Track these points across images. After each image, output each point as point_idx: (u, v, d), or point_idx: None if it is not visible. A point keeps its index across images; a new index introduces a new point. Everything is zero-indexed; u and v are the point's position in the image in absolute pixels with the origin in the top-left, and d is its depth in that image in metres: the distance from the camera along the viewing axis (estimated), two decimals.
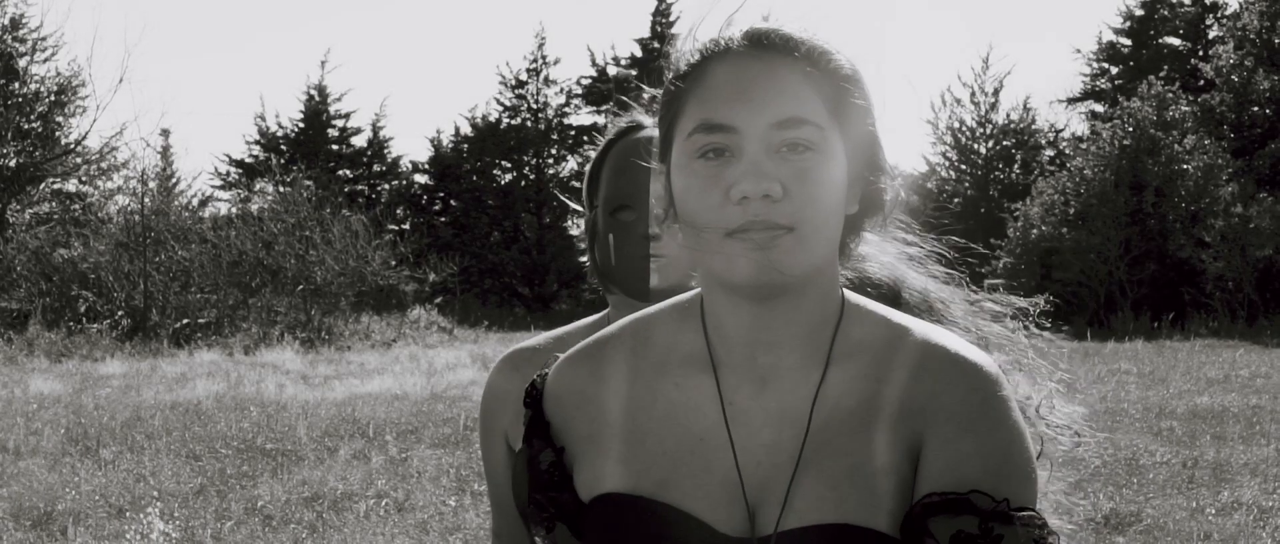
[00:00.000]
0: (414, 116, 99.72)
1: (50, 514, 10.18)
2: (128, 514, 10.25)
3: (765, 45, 1.85)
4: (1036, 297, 2.36)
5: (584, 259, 2.90)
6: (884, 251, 2.27)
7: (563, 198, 3.44)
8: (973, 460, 1.78)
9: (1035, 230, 39.40)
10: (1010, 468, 1.79)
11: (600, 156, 2.77)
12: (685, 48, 1.92)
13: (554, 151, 54.90)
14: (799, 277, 1.81)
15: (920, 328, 1.91)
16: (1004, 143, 54.54)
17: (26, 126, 42.10)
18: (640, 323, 2.02)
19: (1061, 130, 56.16)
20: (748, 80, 1.82)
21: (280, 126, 54.05)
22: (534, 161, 54.70)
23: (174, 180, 46.24)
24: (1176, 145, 38.55)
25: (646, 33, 54.39)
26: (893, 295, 2.23)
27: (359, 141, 54.86)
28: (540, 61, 55.13)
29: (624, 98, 2.88)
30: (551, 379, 2.02)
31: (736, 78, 1.83)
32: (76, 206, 42.27)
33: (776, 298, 1.84)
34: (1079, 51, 63.55)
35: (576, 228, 51.38)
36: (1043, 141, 54.96)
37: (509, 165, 54.59)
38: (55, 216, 40.25)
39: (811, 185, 1.79)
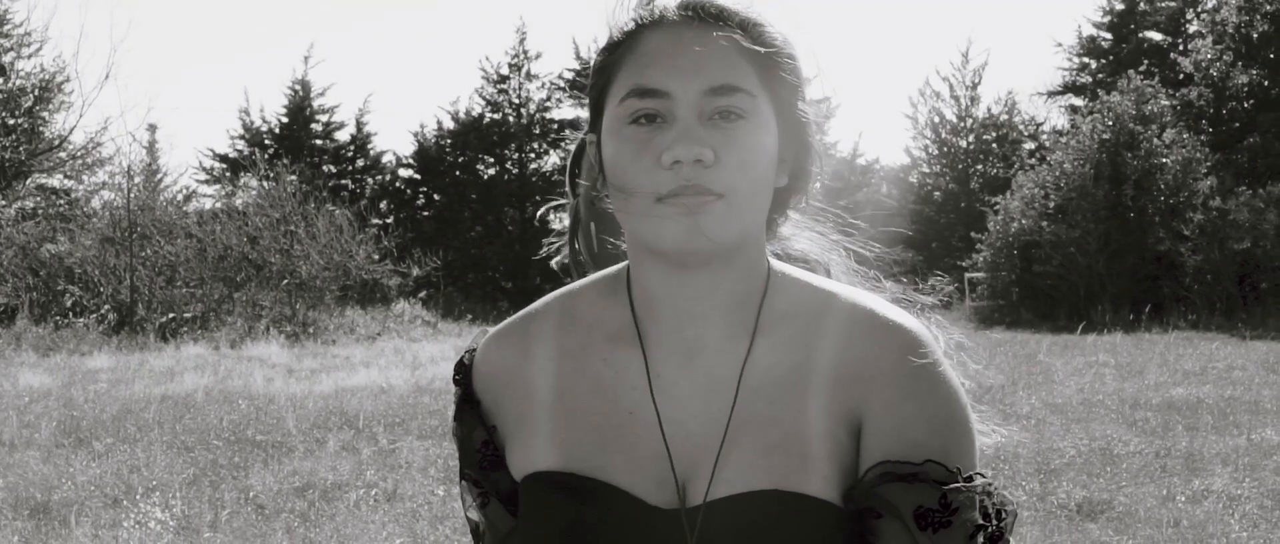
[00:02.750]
0: (398, 111, 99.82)
1: (46, 505, 10.36)
2: (124, 504, 10.44)
3: (699, 15, 1.84)
4: (942, 290, 2.33)
5: (562, 257, 2.97)
6: (810, 230, 2.24)
7: (550, 201, 3.42)
8: (918, 424, 1.80)
9: (1015, 224, 39.57)
10: (954, 425, 1.81)
11: (582, 144, 2.67)
12: (618, 18, 1.91)
13: (536, 146, 55.01)
14: (728, 244, 1.81)
15: (846, 292, 1.91)
16: (984, 137, 54.82)
17: (11, 123, 42.13)
18: (567, 298, 2.02)
19: (1042, 124, 56.48)
20: (681, 47, 1.81)
21: (264, 121, 54.14)
22: (516, 156, 54.83)
23: (159, 175, 46.37)
24: (1155, 139, 38.79)
25: None
26: (824, 275, 2.16)
27: (342, 136, 55.01)
28: (521, 56, 55.26)
29: None
30: (479, 357, 2.01)
31: (670, 44, 1.82)
32: (61, 201, 42.33)
33: (704, 266, 1.83)
34: (1060, 45, 63.88)
35: (559, 222, 51.23)
36: (1023, 135, 55.22)
37: (491, 160, 54.72)
38: (40, 211, 40.26)
39: (743, 152, 1.78)
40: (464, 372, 2.02)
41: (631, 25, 1.88)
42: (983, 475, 1.81)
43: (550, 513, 1.87)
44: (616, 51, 1.88)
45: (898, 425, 1.80)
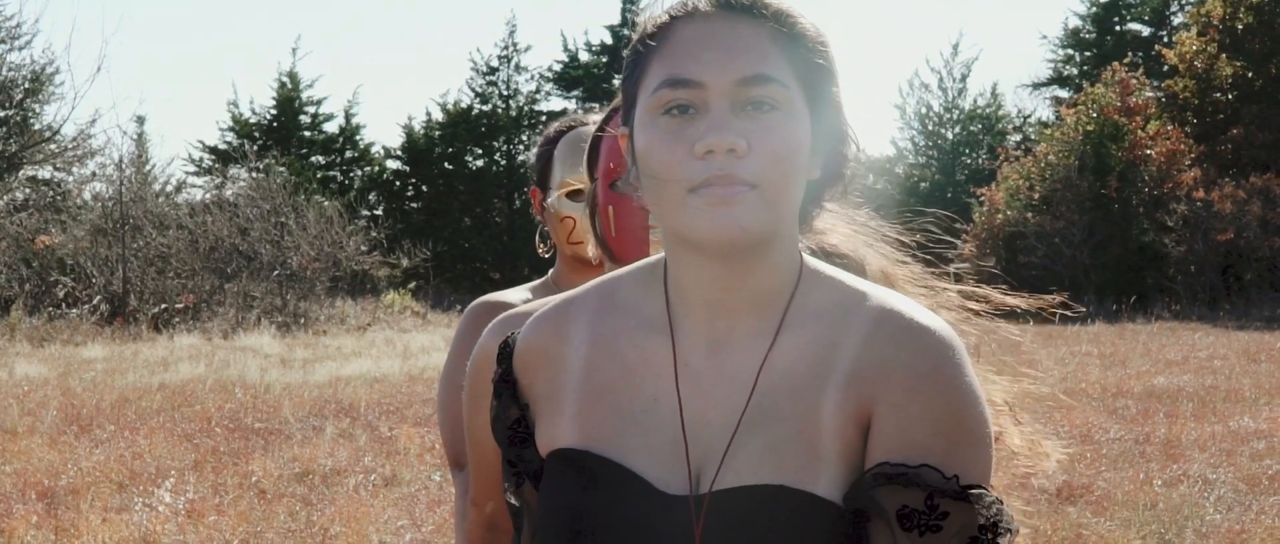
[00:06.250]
0: (386, 103, 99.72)
1: (54, 490, 10.60)
2: (131, 488, 10.68)
3: (732, 6, 1.84)
4: (998, 285, 2.36)
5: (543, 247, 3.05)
6: (847, 224, 2.28)
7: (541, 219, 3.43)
8: (923, 425, 1.77)
9: (1000, 215, 39.73)
10: (962, 433, 1.77)
11: (599, 128, 2.83)
12: (651, 11, 1.91)
13: (525, 138, 55.08)
14: (760, 235, 1.80)
15: (877, 293, 1.88)
16: (971, 128, 55.01)
17: (2, 115, 42.22)
18: (607, 284, 2.02)
19: (1029, 116, 56.69)
20: (715, 38, 1.81)
21: (254, 113, 54.20)
22: (505, 148, 54.92)
23: (149, 166, 46.47)
24: (1140, 131, 39.01)
25: (618, 20, 54.81)
26: (856, 269, 2.17)
27: (331, 128, 55.03)
28: (511, 48, 55.38)
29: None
30: (520, 338, 2.02)
31: (703, 35, 1.82)
32: (52, 193, 42.43)
33: (737, 258, 1.83)
34: (1045, 36, 64.15)
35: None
36: (1009, 127, 55.41)
37: (480, 151, 54.80)
38: (30, 202, 40.36)
39: (776, 143, 1.78)
40: (506, 350, 2.04)
41: (665, 18, 1.88)
42: (984, 490, 1.76)
43: (563, 488, 1.90)
44: (649, 44, 1.88)
45: (902, 425, 1.78)
